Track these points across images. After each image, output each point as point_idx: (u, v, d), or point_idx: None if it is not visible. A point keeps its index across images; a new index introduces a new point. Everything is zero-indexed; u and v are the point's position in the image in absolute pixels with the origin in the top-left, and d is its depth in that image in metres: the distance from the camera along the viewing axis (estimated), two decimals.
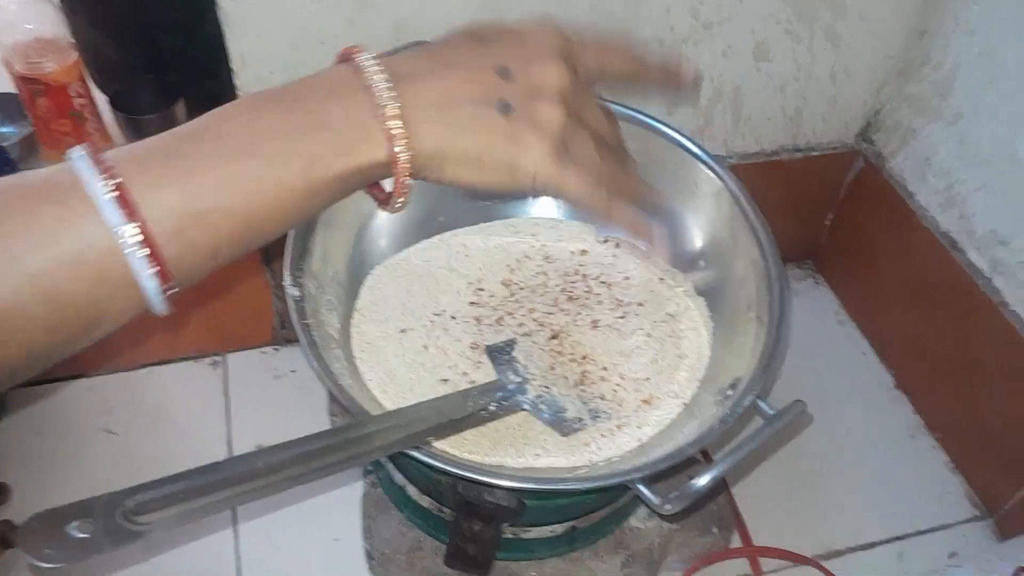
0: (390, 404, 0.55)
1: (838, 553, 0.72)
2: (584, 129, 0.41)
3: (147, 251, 0.31)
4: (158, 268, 0.31)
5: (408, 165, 0.36)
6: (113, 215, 0.30)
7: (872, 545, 0.73)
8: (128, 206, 0.30)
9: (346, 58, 0.37)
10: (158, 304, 0.33)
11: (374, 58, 0.36)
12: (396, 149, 0.36)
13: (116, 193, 0.30)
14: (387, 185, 0.39)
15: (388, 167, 0.37)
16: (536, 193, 0.40)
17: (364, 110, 0.35)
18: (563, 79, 0.39)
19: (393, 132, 0.35)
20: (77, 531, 0.33)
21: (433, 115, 0.37)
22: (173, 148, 0.33)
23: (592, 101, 0.42)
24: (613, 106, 0.62)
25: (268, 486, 0.40)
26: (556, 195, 0.40)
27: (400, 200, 0.39)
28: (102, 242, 0.30)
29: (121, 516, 0.34)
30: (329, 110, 0.35)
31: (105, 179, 0.30)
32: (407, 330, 0.60)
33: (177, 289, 0.33)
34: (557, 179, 0.39)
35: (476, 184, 0.39)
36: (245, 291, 0.88)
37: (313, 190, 0.35)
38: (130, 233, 0.30)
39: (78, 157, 0.31)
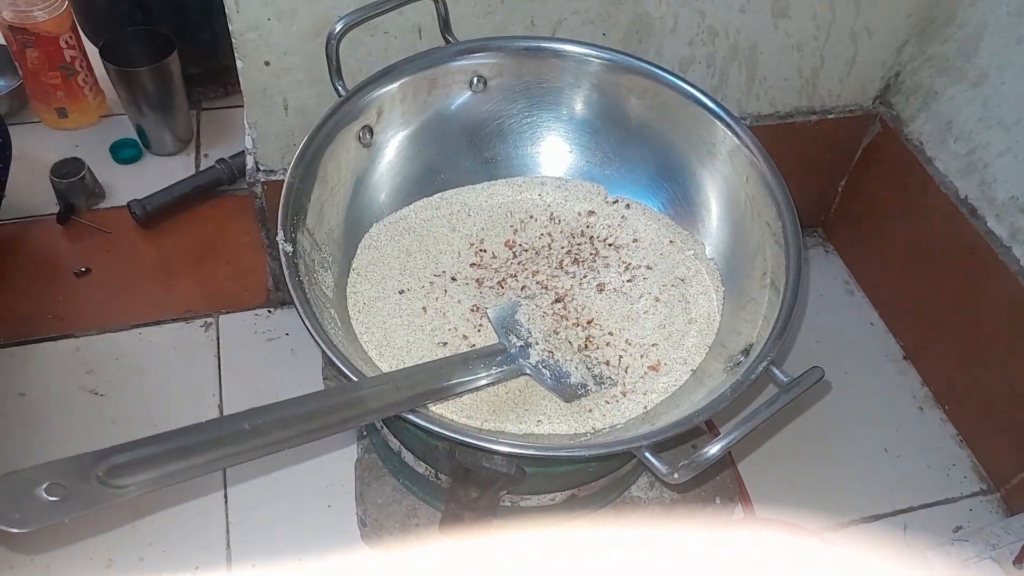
0: (386, 367, 0.53)
1: (841, 525, 0.71)
2: None
3: None
4: None
5: None
6: None
7: (877, 518, 0.72)
8: None
9: None
10: None
11: None
12: None
13: None
14: None
15: None
16: None
17: None
18: None
19: None
20: (47, 494, 0.31)
21: None
22: None
23: None
24: (637, 62, 0.59)
25: (254, 449, 0.38)
26: None
27: None
28: None
29: (94, 479, 0.32)
30: None
31: None
32: (405, 291, 0.57)
33: None
34: None
35: None
36: (239, 251, 0.85)
37: None
38: None
39: None
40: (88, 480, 0.33)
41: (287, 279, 0.47)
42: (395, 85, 0.57)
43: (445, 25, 0.60)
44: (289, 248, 0.48)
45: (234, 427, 0.37)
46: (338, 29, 0.55)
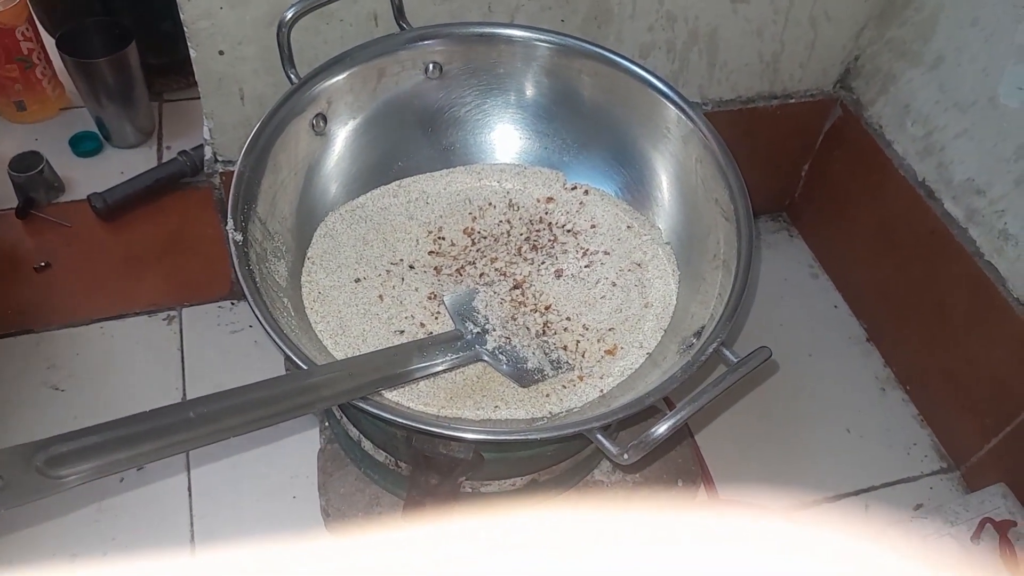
0: (342, 356, 0.53)
1: (805, 505, 0.72)
2: None
3: None
4: None
5: None
6: None
7: (839, 497, 0.73)
8: None
9: None
10: None
11: None
12: None
13: None
14: None
15: None
16: None
17: None
18: None
19: None
20: None
21: None
22: None
23: None
24: (587, 46, 0.59)
25: (200, 437, 0.37)
26: None
27: None
28: None
29: (34, 469, 0.32)
30: None
31: None
32: (362, 279, 0.57)
33: None
34: None
35: None
36: (201, 244, 0.85)
37: None
38: None
39: None
40: (28, 470, 0.33)
41: (236, 268, 0.46)
42: (347, 73, 0.56)
43: (399, 12, 0.60)
44: (239, 237, 0.48)
45: (178, 415, 0.37)
46: (288, 17, 0.54)
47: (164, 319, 0.78)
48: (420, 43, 0.58)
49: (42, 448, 0.33)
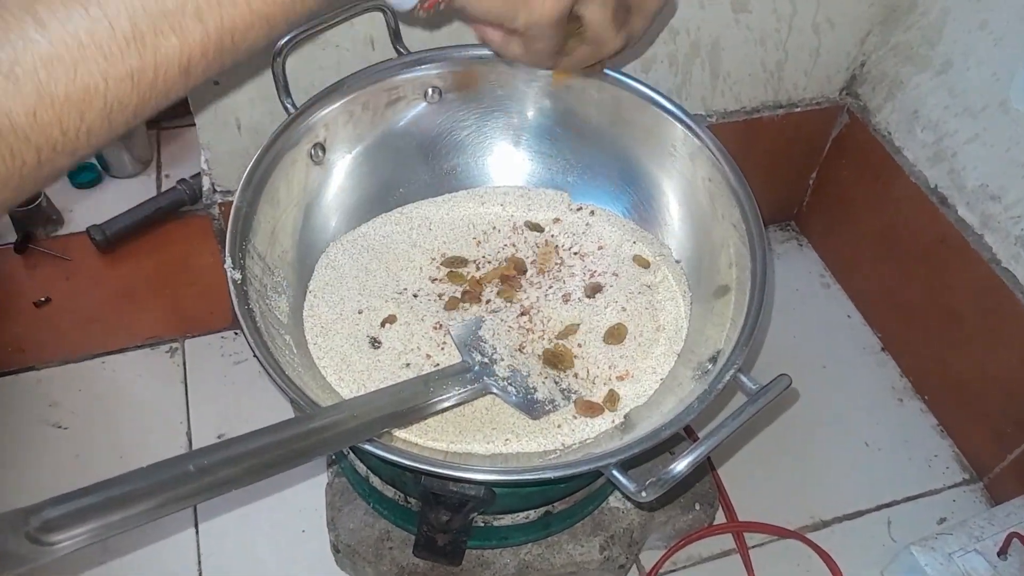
0: (347, 393, 0.51)
1: (825, 524, 0.70)
2: None
3: None
4: None
5: None
6: None
7: (860, 514, 0.71)
8: None
9: None
10: None
11: None
12: None
13: None
14: None
15: None
16: None
17: None
18: None
19: None
20: None
21: None
22: None
23: None
24: None
25: (202, 491, 0.36)
26: None
27: None
28: None
29: (25, 537, 0.31)
30: None
31: None
32: (365, 311, 0.56)
33: None
34: None
35: None
36: (203, 273, 0.83)
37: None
38: None
39: None
40: (18, 538, 0.31)
41: (236, 308, 0.45)
42: (345, 100, 0.55)
43: (396, 36, 0.58)
44: (237, 276, 0.47)
45: (177, 470, 0.36)
46: (281, 45, 0.53)
47: (167, 351, 0.77)
48: (421, 67, 0.57)
49: (33, 513, 0.32)
